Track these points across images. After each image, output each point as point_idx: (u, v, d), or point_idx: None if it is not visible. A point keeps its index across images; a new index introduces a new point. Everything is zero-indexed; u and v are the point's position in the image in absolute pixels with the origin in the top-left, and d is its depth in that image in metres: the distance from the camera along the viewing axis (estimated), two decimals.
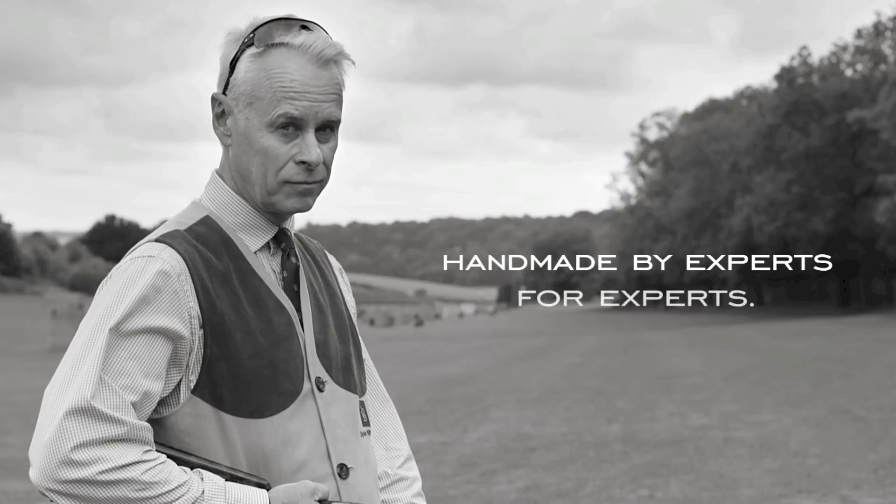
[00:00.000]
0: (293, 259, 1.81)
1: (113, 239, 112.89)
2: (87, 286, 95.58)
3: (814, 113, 59.13)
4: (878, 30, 57.87)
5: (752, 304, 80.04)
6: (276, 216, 1.77)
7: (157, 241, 1.68)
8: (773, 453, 9.71)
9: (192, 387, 1.65)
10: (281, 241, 1.80)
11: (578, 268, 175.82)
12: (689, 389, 16.11)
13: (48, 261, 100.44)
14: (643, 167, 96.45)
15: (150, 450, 1.57)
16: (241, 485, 1.61)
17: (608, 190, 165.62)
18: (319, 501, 1.66)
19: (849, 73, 61.19)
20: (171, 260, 1.65)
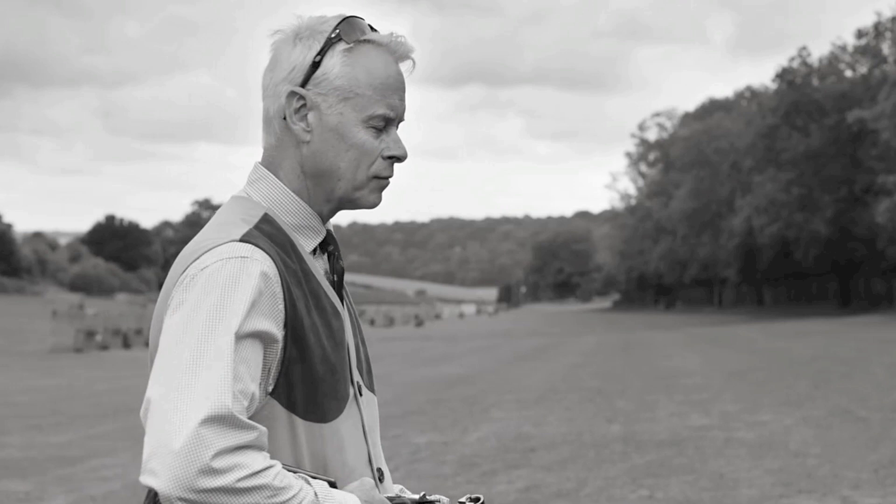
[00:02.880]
0: (341, 262, 1.81)
1: (113, 239, 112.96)
2: (87, 286, 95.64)
3: (814, 113, 59.15)
4: (877, 30, 57.89)
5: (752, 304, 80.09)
6: (326, 217, 1.77)
7: (241, 240, 1.62)
8: (773, 453, 9.71)
9: (271, 389, 1.63)
10: (328, 244, 1.80)
11: (578, 268, 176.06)
12: (689, 389, 16.11)
13: (48, 261, 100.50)
14: (643, 167, 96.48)
15: (269, 455, 1.56)
16: (336, 489, 1.61)
17: (608, 190, 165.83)
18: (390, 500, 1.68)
19: (848, 73, 61.23)
20: (265, 261, 1.61)
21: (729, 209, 69.02)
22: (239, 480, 1.47)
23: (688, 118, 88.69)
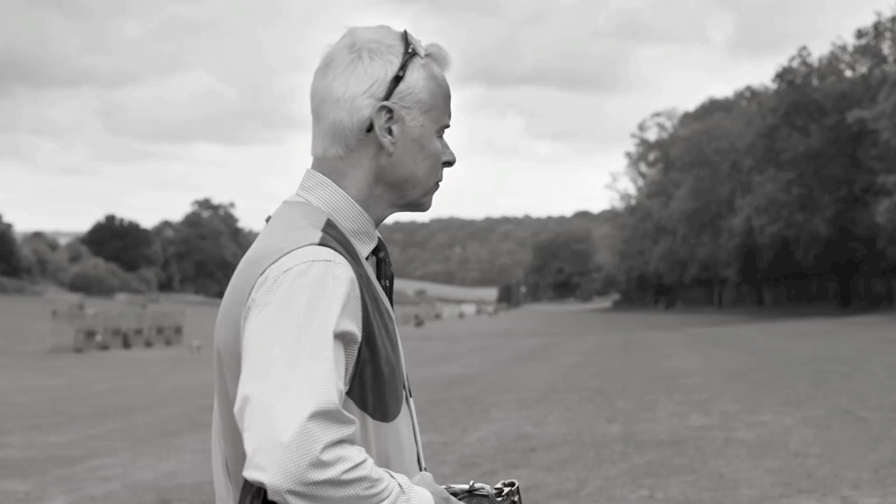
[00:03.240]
0: (391, 268, 1.86)
1: (113, 239, 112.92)
2: (87, 286, 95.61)
3: (814, 113, 59.15)
4: (877, 30, 57.88)
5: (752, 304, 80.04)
6: (378, 223, 1.83)
7: (320, 244, 1.66)
8: (773, 453, 9.71)
9: (347, 389, 1.66)
10: (380, 249, 1.85)
11: (578, 268, 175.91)
12: (689, 389, 16.12)
13: (48, 261, 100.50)
14: (643, 167, 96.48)
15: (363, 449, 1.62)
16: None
17: (608, 190, 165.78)
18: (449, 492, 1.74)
19: (848, 73, 61.22)
20: (346, 265, 1.66)
21: (729, 209, 69.01)
22: (343, 472, 1.51)
23: (688, 118, 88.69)
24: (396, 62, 1.74)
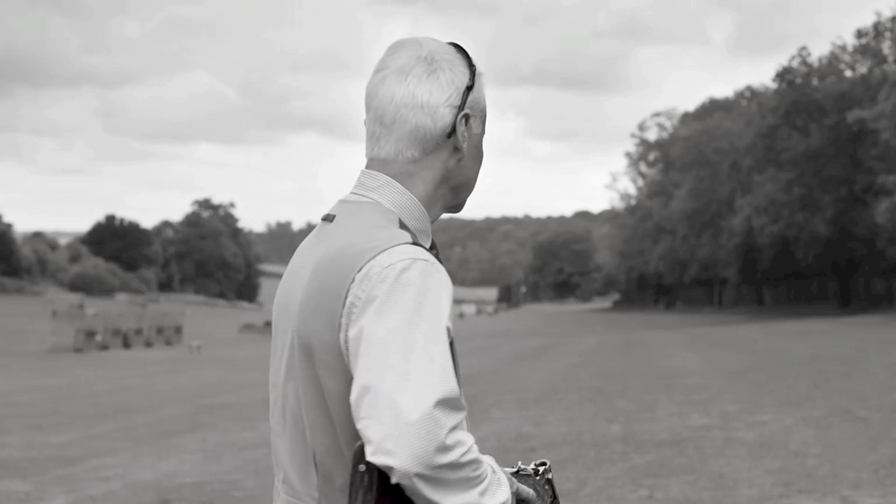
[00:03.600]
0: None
1: (113, 239, 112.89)
2: (87, 286, 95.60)
3: (814, 113, 59.14)
4: (877, 30, 57.87)
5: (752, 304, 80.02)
6: (432, 222, 1.93)
7: (413, 243, 1.75)
8: (773, 453, 9.71)
9: None
10: (433, 247, 1.91)
11: (578, 268, 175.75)
12: (689, 389, 16.11)
13: (48, 261, 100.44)
14: (643, 167, 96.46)
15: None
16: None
17: (608, 190, 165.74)
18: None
19: (848, 73, 61.21)
20: (440, 264, 1.78)
21: (729, 209, 69.00)
22: (461, 456, 1.60)
23: (688, 118, 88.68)
24: (468, 74, 1.87)
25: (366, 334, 1.64)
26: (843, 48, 61.12)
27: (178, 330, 45.84)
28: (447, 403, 1.60)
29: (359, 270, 1.69)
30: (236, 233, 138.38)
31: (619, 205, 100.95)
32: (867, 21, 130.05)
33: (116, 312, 45.46)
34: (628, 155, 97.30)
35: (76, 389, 20.42)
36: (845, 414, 12.46)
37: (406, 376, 1.60)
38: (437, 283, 1.70)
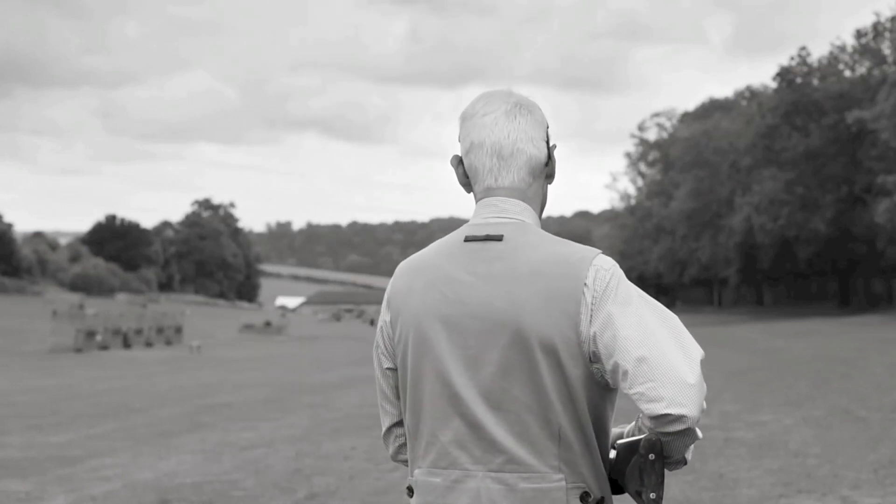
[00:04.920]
0: None
1: (113, 239, 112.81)
2: (87, 286, 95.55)
3: (813, 113, 59.12)
4: (876, 30, 57.87)
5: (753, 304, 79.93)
6: None
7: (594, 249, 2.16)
8: (773, 453, 9.71)
9: None
10: None
11: None
12: None
13: (48, 261, 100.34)
14: (643, 167, 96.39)
15: None
16: None
17: (608, 190, 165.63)
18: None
19: (848, 73, 61.19)
20: None
21: (729, 209, 68.95)
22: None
23: (687, 118, 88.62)
24: (543, 114, 2.30)
25: (618, 320, 2.03)
26: (843, 48, 61.09)
27: (178, 330, 45.84)
28: (702, 365, 2.03)
29: (586, 276, 2.07)
30: (236, 233, 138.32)
31: (618, 205, 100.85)
32: (867, 21, 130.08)
33: (117, 312, 45.45)
34: (628, 155, 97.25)
35: (76, 389, 20.42)
36: (845, 414, 12.46)
37: (677, 348, 2.01)
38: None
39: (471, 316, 2.08)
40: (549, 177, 2.28)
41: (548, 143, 2.27)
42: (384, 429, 2.31)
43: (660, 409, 1.96)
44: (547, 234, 2.17)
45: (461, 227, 2.24)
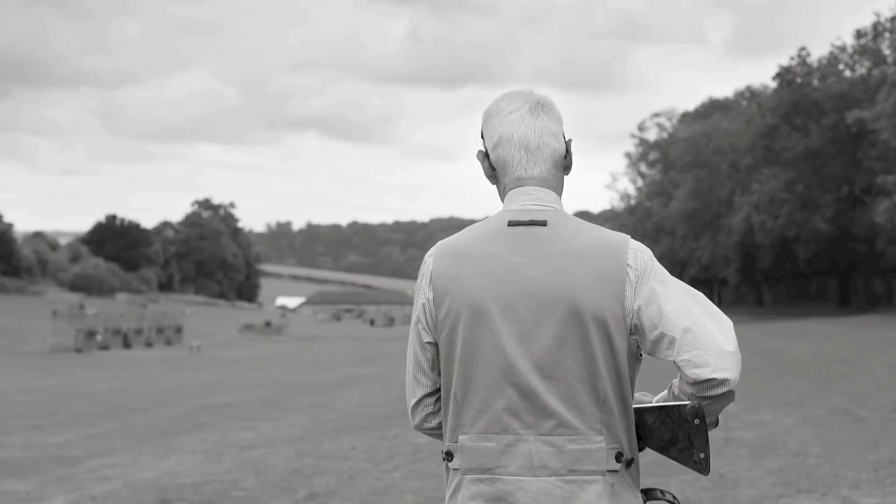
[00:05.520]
0: None
1: (113, 239, 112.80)
2: (87, 286, 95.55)
3: (813, 113, 59.10)
4: (876, 30, 57.86)
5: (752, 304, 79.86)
6: None
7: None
8: (773, 453, 9.71)
9: None
10: None
11: None
12: None
13: (48, 261, 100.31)
14: (643, 168, 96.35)
15: None
16: None
17: (608, 190, 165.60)
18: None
19: (847, 73, 61.17)
20: None
21: (728, 209, 68.93)
22: None
23: (687, 118, 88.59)
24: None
25: (661, 296, 2.27)
26: (843, 48, 61.08)
27: (179, 330, 45.83)
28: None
29: (627, 257, 2.30)
30: (236, 233, 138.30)
31: (618, 205, 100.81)
32: (866, 21, 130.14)
33: (117, 312, 45.43)
34: (628, 155, 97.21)
35: (76, 389, 20.42)
36: (845, 414, 12.46)
37: (711, 318, 2.25)
38: None
39: (524, 294, 2.27)
40: (567, 168, 2.49)
41: (564, 137, 2.47)
42: (415, 399, 2.45)
43: (706, 373, 2.21)
44: (580, 219, 2.38)
45: (498, 213, 2.41)
